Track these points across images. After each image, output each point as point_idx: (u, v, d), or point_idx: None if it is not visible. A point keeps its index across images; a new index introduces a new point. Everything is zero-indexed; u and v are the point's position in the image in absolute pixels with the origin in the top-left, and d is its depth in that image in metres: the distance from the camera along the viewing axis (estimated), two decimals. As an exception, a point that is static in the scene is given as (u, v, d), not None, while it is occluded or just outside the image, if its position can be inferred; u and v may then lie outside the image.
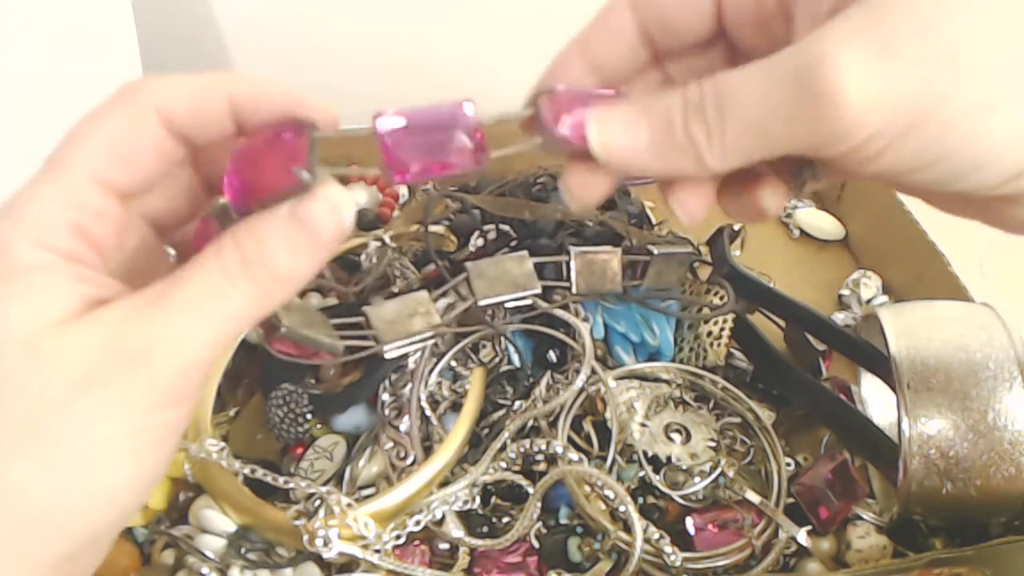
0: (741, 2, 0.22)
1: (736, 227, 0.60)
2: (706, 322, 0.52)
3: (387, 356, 0.41)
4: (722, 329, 0.52)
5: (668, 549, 0.42)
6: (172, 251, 0.25)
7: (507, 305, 0.47)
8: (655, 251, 0.48)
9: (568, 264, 0.48)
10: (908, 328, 0.42)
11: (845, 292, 0.63)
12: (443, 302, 0.47)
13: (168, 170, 0.23)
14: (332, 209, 0.20)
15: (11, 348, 0.19)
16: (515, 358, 0.51)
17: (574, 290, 0.47)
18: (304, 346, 0.35)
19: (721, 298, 0.52)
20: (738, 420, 0.50)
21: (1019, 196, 0.21)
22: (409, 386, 0.49)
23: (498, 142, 0.22)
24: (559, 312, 0.51)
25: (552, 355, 0.51)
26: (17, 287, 0.19)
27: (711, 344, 0.52)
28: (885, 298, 0.62)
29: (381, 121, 0.21)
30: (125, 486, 0.20)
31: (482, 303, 0.43)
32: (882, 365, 0.43)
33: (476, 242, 0.59)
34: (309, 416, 0.48)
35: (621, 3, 0.23)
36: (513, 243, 0.58)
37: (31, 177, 0.21)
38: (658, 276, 0.50)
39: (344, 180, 0.25)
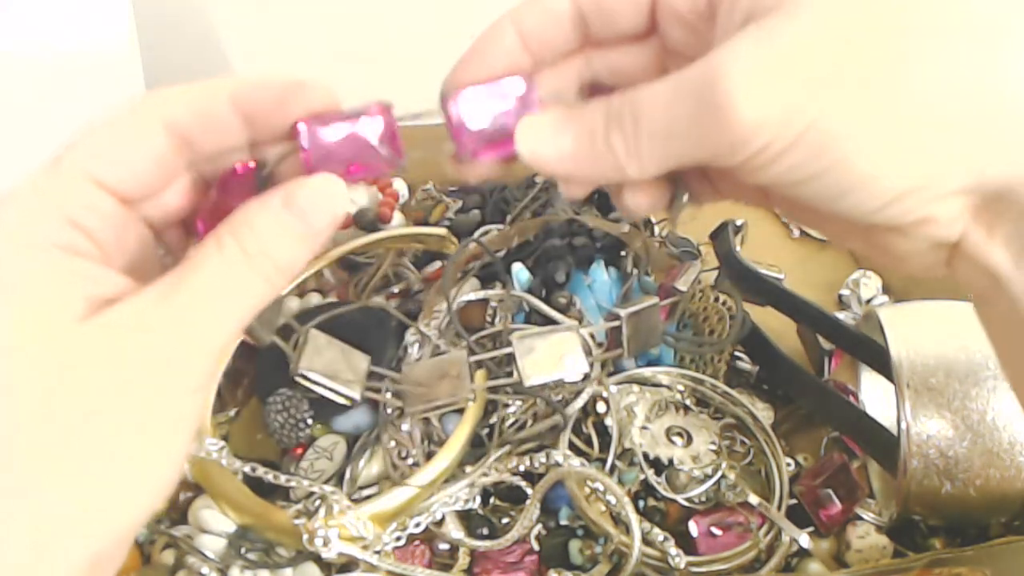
0: (675, 1, 0.23)
1: (738, 223, 0.60)
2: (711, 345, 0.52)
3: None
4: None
5: (673, 551, 0.42)
6: (163, 249, 0.25)
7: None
8: (622, 313, 0.44)
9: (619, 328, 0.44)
10: (908, 328, 0.42)
11: (845, 292, 0.63)
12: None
13: (171, 179, 0.23)
14: (324, 196, 0.21)
15: (26, 357, 0.19)
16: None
17: (626, 355, 0.45)
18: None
19: (729, 309, 0.52)
20: (738, 422, 0.50)
21: (898, 226, 0.21)
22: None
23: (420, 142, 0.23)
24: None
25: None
26: (15, 293, 0.19)
27: (712, 358, 0.52)
28: (885, 298, 0.62)
29: (301, 129, 0.22)
30: (156, 480, 0.20)
31: (529, 385, 0.42)
32: (889, 365, 0.43)
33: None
34: (310, 421, 0.47)
35: (506, 26, 0.23)
36: (512, 244, 0.58)
37: (29, 174, 0.21)
38: (636, 335, 0.45)
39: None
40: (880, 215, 0.21)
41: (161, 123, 0.21)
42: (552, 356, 0.41)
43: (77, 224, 0.20)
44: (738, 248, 0.57)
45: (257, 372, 0.51)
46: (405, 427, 0.48)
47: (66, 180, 0.21)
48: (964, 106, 0.19)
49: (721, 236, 0.58)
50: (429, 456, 0.46)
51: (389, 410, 0.49)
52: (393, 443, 0.47)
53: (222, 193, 0.23)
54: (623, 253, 0.58)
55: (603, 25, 0.24)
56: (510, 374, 0.46)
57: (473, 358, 0.42)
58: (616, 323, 0.43)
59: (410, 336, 0.52)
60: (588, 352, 0.43)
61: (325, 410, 0.48)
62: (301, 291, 0.58)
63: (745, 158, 0.20)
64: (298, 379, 0.38)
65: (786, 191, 0.21)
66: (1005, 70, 0.19)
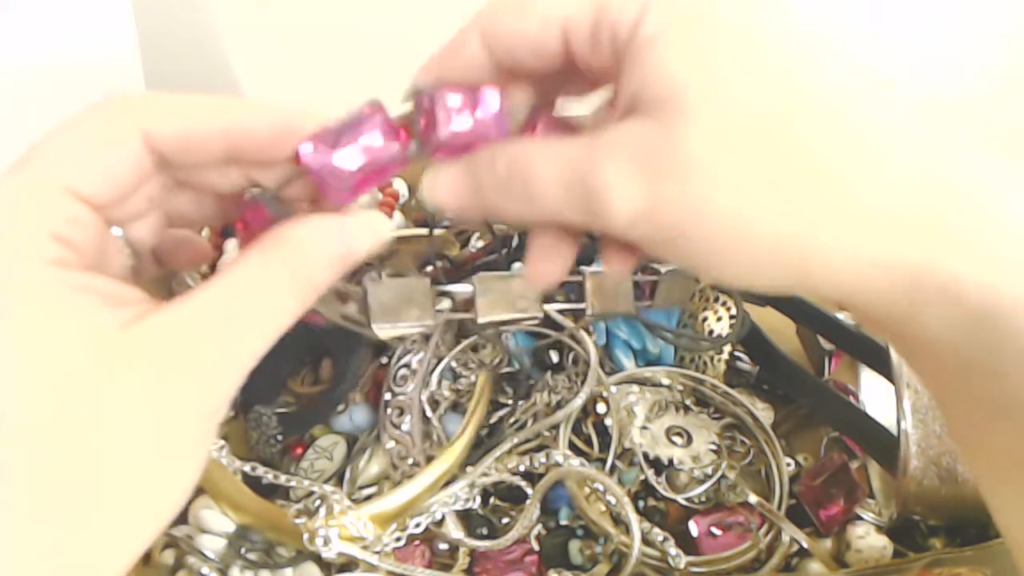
0: (588, 57, 0.23)
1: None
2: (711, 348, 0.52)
3: (379, 335, 0.42)
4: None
5: (673, 551, 0.42)
6: (128, 249, 0.24)
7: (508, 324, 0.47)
8: (663, 270, 0.48)
9: (581, 283, 0.47)
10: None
11: (845, 292, 0.63)
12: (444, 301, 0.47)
13: (142, 185, 0.22)
14: (371, 233, 0.23)
15: (69, 376, 0.18)
16: (517, 360, 0.51)
17: (588, 311, 0.47)
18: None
19: (728, 309, 0.52)
20: (738, 422, 0.50)
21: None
22: (411, 386, 0.49)
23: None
24: (564, 322, 0.51)
25: (552, 356, 0.51)
26: (36, 313, 0.19)
27: (712, 358, 0.52)
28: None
29: (306, 155, 0.22)
30: (179, 491, 0.20)
31: (481, 321, 0.44)
32: (889, 364, 0.43)
33: (477, 243, 0.59)
34: (280, 437, 0.48)
35: (472, 38, 0.24)
36: (514, 243, 0.58)
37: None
38: (667, 294, 0.50)
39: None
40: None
41: (139, 132, 0.21)
42: (508, 298, 0.44)
43: (61, 238, 0.20)
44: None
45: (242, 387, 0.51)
46: (406, 427, 0.48)
47: (45, 193, 0.20)
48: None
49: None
50: (429, 457, 0.46)
51: (389, 410, 0.49)
52: (393, 443, 0.47)
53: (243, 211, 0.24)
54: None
55: (520, 68, 0.24)
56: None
57: (438, 288, 0.44)
58: (578, 278, 0.45)
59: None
60: (548, 300, 0.45)
61: (294, 425, 0.48)
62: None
63: (610, 230, 0.22)
64: (379, 334, 0.40)
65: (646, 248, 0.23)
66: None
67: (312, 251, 0.22)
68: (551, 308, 0.47)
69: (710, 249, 0.21)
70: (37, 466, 0.18)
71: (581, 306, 0.47)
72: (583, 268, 0.46)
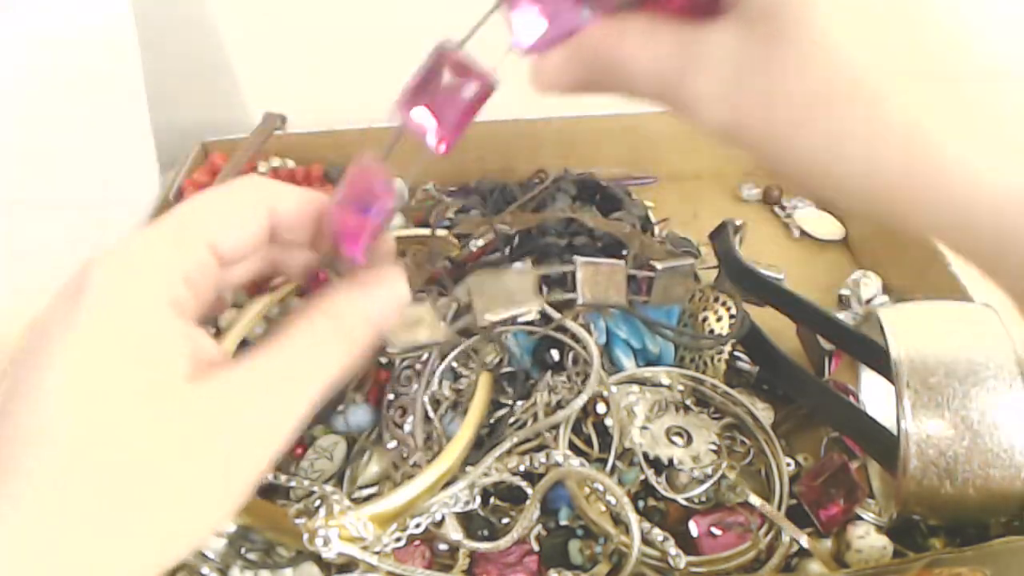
0: None
1: (737, 223, 0.60)
2: (710, 348, 0.52)
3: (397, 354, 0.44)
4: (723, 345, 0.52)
5: (673, 551, 0.42)
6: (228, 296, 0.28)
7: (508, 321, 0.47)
8: (659, 267, 0.48)
9: (574, 274, 0.48)
10: (908, 328, 0.42)
11: (845, 292, 0.63)
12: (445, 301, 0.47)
13: (258, 251, 0.26)
14: (394, 296, 0.26)
15: (128, 404, 0.20)
16: (515, 360, 0.51)
17: (580, 300, 0.47)
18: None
19: (728, 309, 0.52)
20: (738, 422, 0.50)
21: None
22: (414, 386, 0.49)
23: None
24: (566, 323, 0.50)
25: (552, 356, 0.51)
26: (135, 345, 0.20)
27: (712, 358, 0.52)
28: (885, 298, 0.62)
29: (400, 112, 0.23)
30: (193, 543, 0.21)
31: (482, 324, 0.44)
32: (888, 365, 0.43)
33: (476, 242, 0.59)
34: None
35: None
36: (514, 243, 0.58)
37: (146, 227, 0.23)
38: (664, 291, 0.50)
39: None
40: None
41: (267, 207, 0.25)
42: (505, 294, 0.45)
43: (191, 281, 0.22)
44: (738, 248, 0.58)
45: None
46: (407, 427, 0.48)
47: (189, 239, 0.23)
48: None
49: (721, 236, 0.58)
50: (431, 458, 0.46)
51: (392, 410, 0.49)
52: (394, 443, 0.47)
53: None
54: (623, 252, 0.58)
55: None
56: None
57: (439, 302, 0.46)
58: (570, 268, 0.45)
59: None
60: (541, 291, 0.46)
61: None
62: (301, 291, 0.58)
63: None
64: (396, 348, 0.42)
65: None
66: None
67: (350, 318, 0.24)
68: (544, 299, 0.47)
69: (805, 159, 0.20)
70: (64, 488, 0.19)
71: (573, 296, 0.47)
72: (576, 257, 0.47)
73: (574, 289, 0.47)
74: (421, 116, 0.23)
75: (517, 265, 0.47)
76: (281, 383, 0.22)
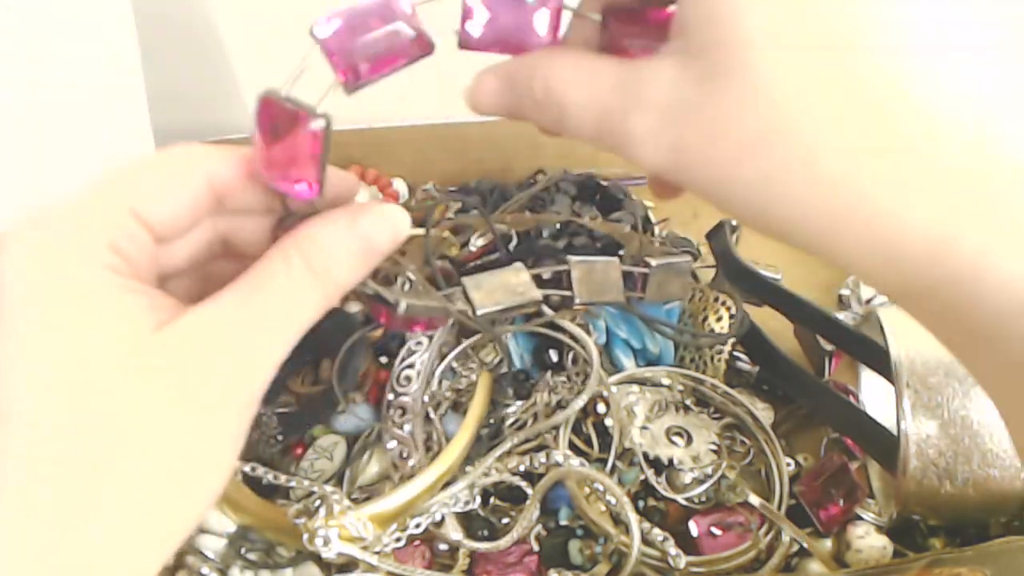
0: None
1: (735, 223, 0.60)
2: (710, 348, 0.52)
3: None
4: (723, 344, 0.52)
5: (673, 551, 0.41)
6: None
7: (509, 312, 0.47)
8: (653, 263, 0.48)
9: (568, 273, 0.47)
10: (908, 328, 0.42)
11: (845, 292, 0.63)
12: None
13: (193, 228, 0.24)
14: (389, 225, 0.23)
15: (100, 370, 0.19)
16: (516, 361, 0.51)
17: (576, 299, 0.47)
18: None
19: (728, 309, 0.52)
20: (738, 422, 0.50)
21: None
22: (415, 386, 0.49)
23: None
24: (564, 324, 0.51)
25: (552, 356, 0.51)
26: (84, 307, 0.20)
27: (711, 358, 0.52)
28: (885, 298, 0.62)
29: (318, 28, 0.22)
30: (216, 482, 0.21)
31: (480, 313, 0.44)
32: (888, 365, 0.43)
33: (476, 242, 0.59)
34: (280, 437, 0.47)
35: None
36: (514, 243, 0.58)
37: (65, 196, 0.22)
38: (659, 288, 0.49)
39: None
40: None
41: (205, 174, 0.23)
42: (501, 287, 0.44)
43: (118, 250, 0.21)
44: (735, 247, 0.57)
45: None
46: (407, 428, 0.48)
47: (109, 207, 0.21)
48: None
49: (717, 236, 0.58)
50: (431, 458, 0.46)
51: (392, 411, 0.49)
52: (394, 443, 0.47)
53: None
54: (622, 253, 0.58)
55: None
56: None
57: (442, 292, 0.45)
58: (564, 267, 0.46)
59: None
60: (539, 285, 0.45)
61: (294, 425, 0.48)
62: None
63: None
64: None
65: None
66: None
67: (328, 244, 0.22)
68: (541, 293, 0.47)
69: (740, 194, 0.20)
70: (46, 461, 0.18)
71: (568, 293, 0.47)
72: (569, 257, 0.46)
73: (570, 288, 0.47)
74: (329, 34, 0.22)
75: (515, 266, 0.46)
76: (243, 324, 0.21)
